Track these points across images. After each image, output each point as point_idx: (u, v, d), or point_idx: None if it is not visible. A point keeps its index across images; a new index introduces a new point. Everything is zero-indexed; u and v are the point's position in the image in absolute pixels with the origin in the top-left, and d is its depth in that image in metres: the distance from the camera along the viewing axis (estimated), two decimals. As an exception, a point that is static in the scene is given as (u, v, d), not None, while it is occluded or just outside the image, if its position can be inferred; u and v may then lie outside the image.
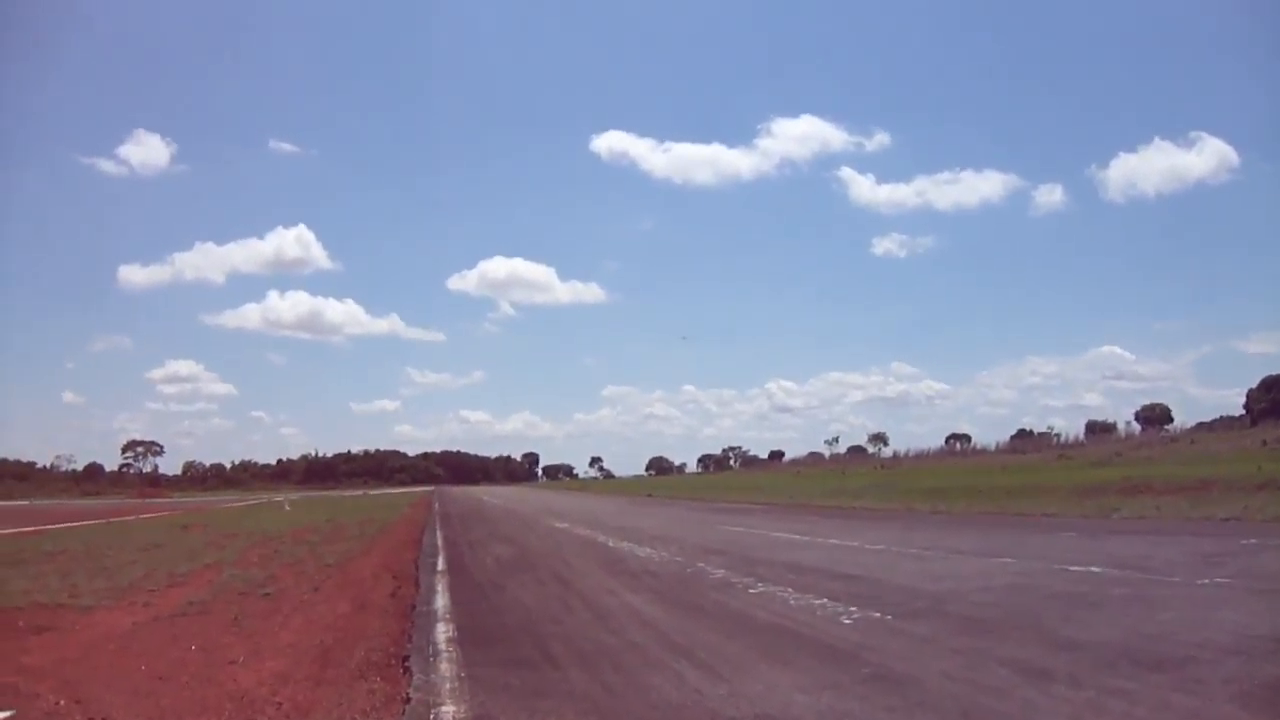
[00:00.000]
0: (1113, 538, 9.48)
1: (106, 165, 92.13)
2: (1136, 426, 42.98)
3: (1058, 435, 40.27)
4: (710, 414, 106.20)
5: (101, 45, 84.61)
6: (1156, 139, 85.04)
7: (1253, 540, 8.49)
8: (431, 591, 7.24)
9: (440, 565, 9.35)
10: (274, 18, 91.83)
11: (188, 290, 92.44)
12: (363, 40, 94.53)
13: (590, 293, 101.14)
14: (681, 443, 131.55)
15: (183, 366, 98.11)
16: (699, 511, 20.28)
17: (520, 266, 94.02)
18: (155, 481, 75.90)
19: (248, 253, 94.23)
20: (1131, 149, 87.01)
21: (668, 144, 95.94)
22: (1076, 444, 33.78)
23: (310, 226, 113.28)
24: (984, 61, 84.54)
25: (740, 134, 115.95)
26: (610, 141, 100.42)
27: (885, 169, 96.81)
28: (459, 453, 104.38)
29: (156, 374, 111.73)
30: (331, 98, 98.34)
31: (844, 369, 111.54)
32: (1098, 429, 43.00)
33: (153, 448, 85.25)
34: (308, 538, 13.52)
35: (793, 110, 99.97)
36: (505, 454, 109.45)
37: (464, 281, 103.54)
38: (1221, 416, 39.53)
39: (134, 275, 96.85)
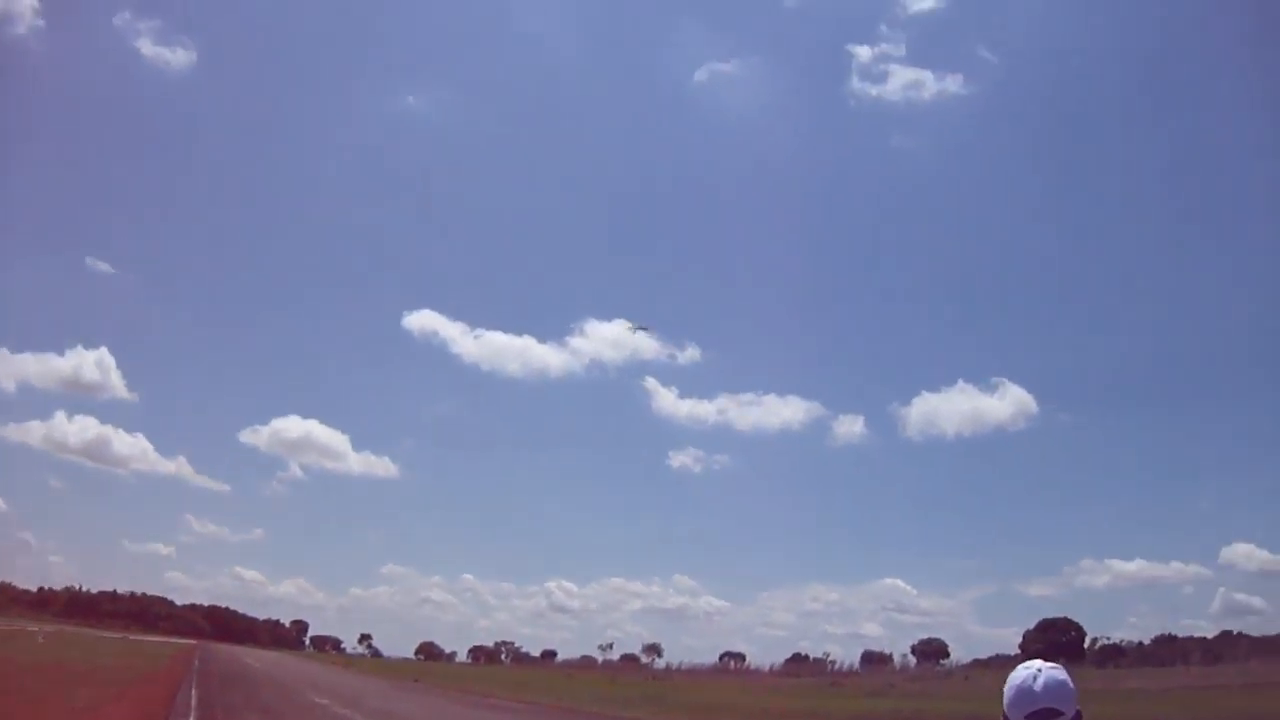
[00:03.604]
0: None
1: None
2: (912, 659, 44.15)
3: (833, 662, 42.01)
4: (487, 605, 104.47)
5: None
6: (960, 381, 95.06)
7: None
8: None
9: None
10: (122, 137, 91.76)
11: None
12: (202, 175, 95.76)
13: (383, 466, 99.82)
14: (455, 631, 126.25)
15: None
16: (466, 706, 20.35)
17: (316, 429, 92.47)
18: None
19: (43, 367, 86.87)
20: (935, 389, 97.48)
21: (480, 330, 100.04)
22: (851, 672, 35.77)
23: (113, 352, 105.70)
24: (799, 290, 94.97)
25: (553, 330, 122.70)
26: (423, 320, 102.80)
27: (691, 383, 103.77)
28: (228, 609, 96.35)
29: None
30: (158, 226, 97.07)
31: (626, 576, 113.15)
32: (874, 659, 45.04)
33: None
34: (56, 675, 13.00)
35: (608, 314, 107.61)
36: (275, 618, 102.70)
37: (256, 436, 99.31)
38: (997, 655, 40.87)
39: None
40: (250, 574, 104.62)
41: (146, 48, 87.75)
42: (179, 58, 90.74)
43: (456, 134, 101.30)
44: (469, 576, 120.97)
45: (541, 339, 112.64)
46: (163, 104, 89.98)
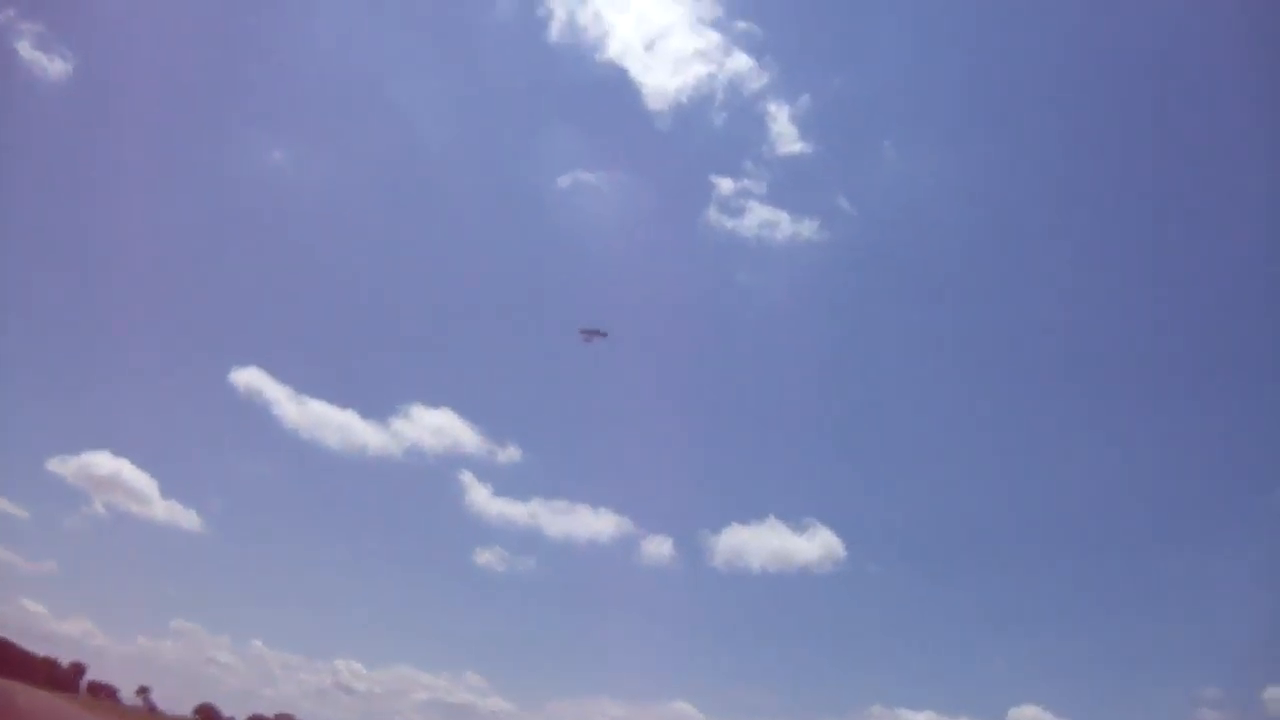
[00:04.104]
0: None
1: None
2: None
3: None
4: (272, 675, 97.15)
5: None
6: (772, 517, 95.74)
7: None
8: None
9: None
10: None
11: None
12: (52, 193, 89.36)
13: (188, 518, 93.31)
14: (237, 696, 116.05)
15: None
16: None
17: (126, 469, 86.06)
18: None
19: None
20: (746, 522, 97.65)
21: (305, 398, 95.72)
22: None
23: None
24: (625, 406, 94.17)
25: (378, 409, 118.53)
26: (249, 377, 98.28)
27: (507, 483, 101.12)
28: (4, 640, 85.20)
29: None
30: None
31: (417, 665, 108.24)
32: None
33: None
34: None
35: (435, 401, 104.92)
36: (54, 656, 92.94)
37: (64, 466, 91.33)
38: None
39: None
40: (35, 607, 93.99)
41: (25, 50, 79.82)
42: (56, 66, 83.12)
43: (316, 196, 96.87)
44: (258, 642, 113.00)
45: (365, 416, 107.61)
46: (27, 109, 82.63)
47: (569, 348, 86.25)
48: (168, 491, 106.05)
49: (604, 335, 53.66)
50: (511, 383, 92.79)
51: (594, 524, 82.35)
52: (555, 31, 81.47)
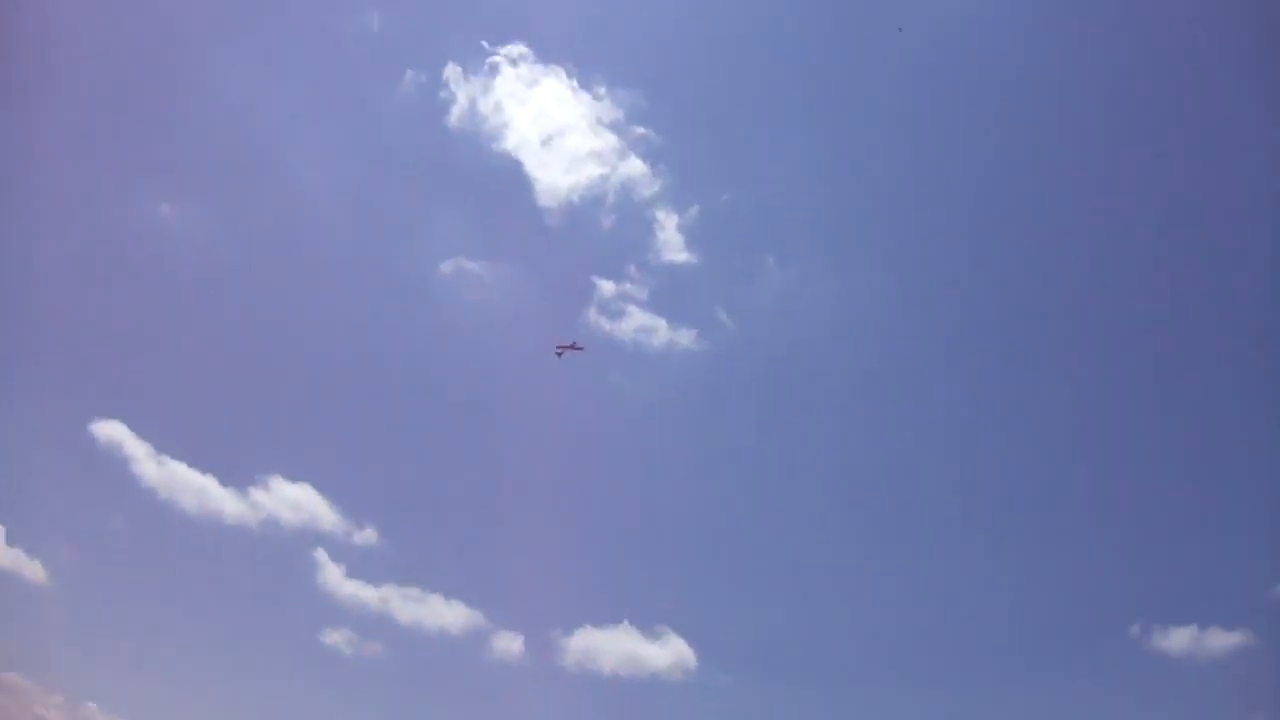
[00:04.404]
0: None
1: None
2: None
3: None
4: None
5: None
6: (626, 621, 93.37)
7: None
8: None
9: None
10: None
11: None
12: None
13: (32, 568, 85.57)
14: None
15: None
16: None
17: None
18: None
19: None
20: (600, 625, 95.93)
21: (165, 457, 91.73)
22: None
23: None
24: (488, 500, 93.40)
25: (239, 477, 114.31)
26: (111, 430, 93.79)
27: (361, 565, 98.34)
28: None
29: None
30: None
31: None
32: None
33: None
34: None
35: (296, 475, 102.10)
36: None
37: None
38: None
39: None
40: None
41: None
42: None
43: (201, 255, 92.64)
44: (92, 705, 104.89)
45: (224, 482, 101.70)
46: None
47: (433, 435, 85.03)
48: (13, 538, 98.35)
49: (580, 349, 52.38)
50: (374, 465, 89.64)
51: (445, 614, 79.89)
52: (455, 116, 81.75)
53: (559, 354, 54.53)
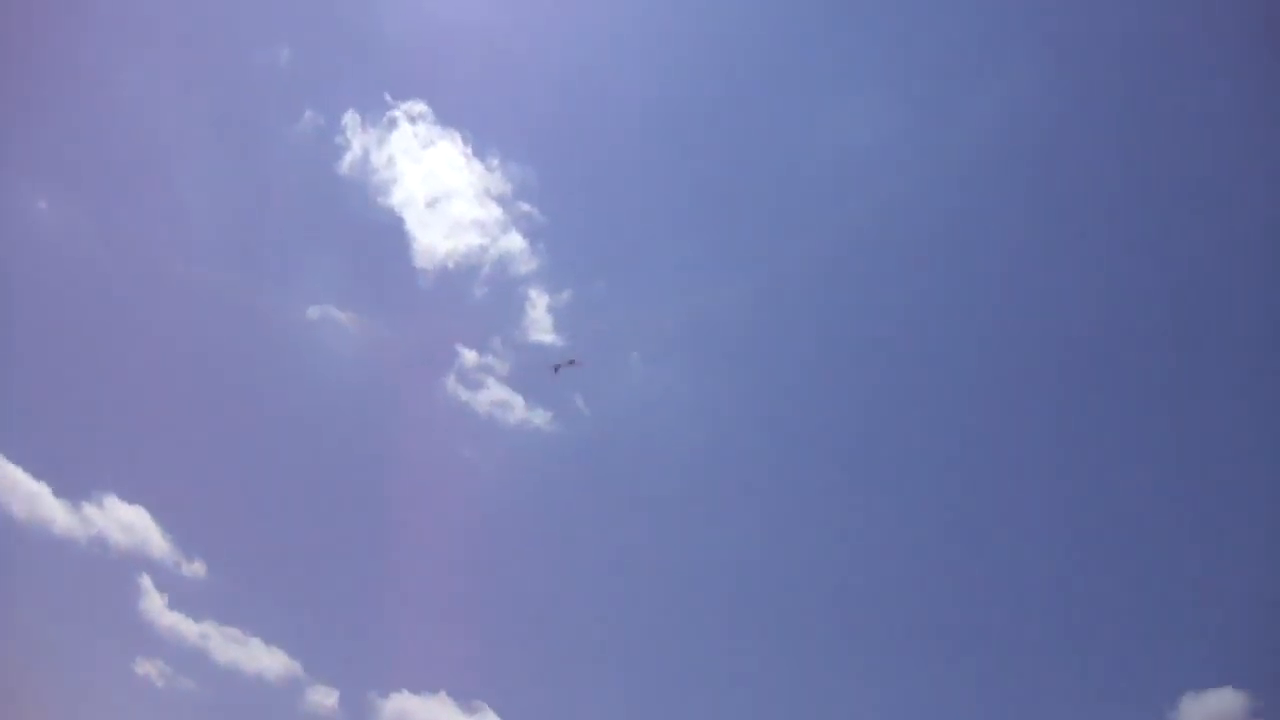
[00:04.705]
0: None
1: None
2: None
3: None
4: None
5: None
6: (444, 692, 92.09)
7: None
8: None
9: None
10: None
11: None
12: None
13: None
14: None
15: None
16: None
17: None
18: None
19: None
20: (416, 691, 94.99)
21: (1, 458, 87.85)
22: None
23: None
24: (326, 548, 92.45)
25: (74, 489, 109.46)
26: None
27: (185, 598, 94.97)
28: None
29: None
30: None
31: None
32: None
33: None
34: None
35: (131, 496, 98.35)
36: None
37: None
38: None
39: None
40: None
41: None
42: None
43: (73, 255, 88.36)
44: None
45: (58, 493, 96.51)
46: None
47: (278, 478, 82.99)
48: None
49: (577, 364, 51.99)
50: (214, 499, 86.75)
51: (264, 659, 76.98)
52: (347, 163, 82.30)
53: (555, 371, 53.72)
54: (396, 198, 79.18)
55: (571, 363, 56.50)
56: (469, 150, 72.22)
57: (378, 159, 78.47)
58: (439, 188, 79.43)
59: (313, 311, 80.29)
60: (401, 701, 72.05)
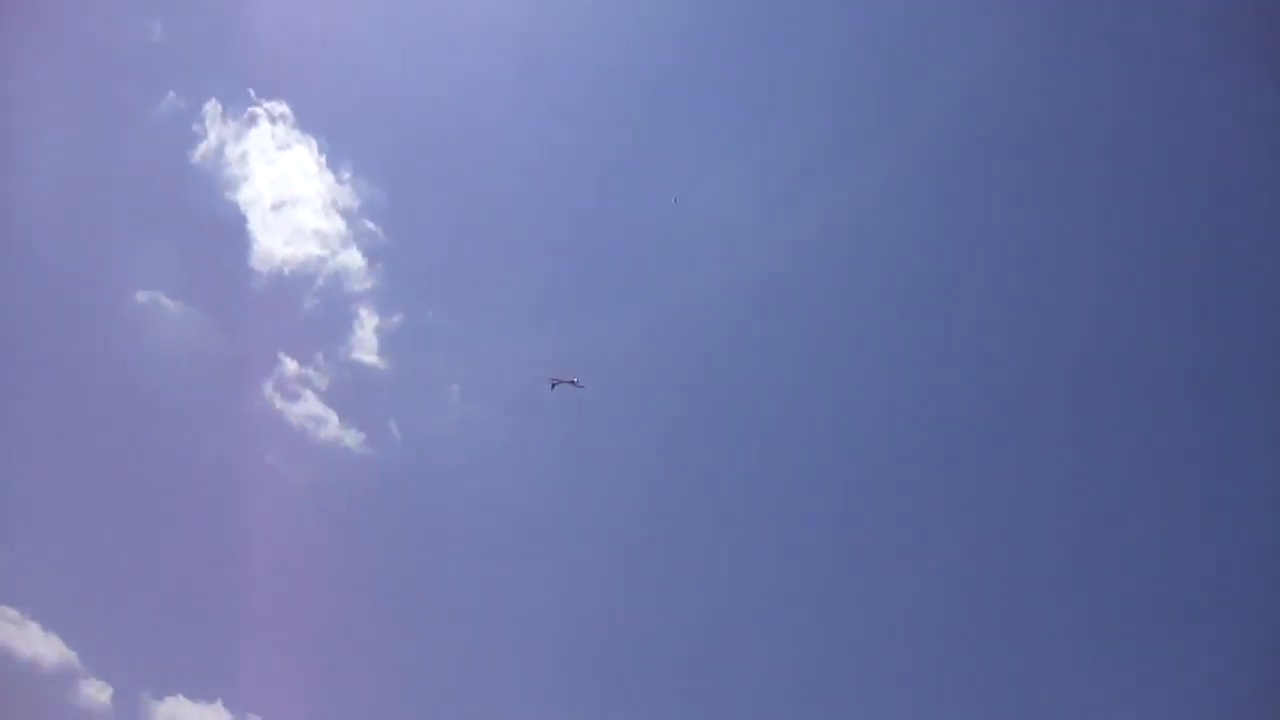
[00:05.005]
0: None
1: None
2: None
3: None
4: None
5: None
6: (220, 701, 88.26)
7: None
8: None
9: None
10: None
11: None
12: None
13: None
14: None
15: None
16: None
17: None
18: None
19: None
20: (193, 698, 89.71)
21: None
22: None
23: None
24: (116, 534, 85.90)
25: None
26: None
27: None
28: None
29: None
30: None
31: None
32: None
33: None
34: None
35: None
36: None
37: None
38: None
39: None
40: None
41: None
42: None
43: None
44: None
45: None
46: None
47: (82, 455, 76.93)
48: None
49: (577, 385, 48.99)
50: (9, 474, 79.59)
51: (40, 646, 70.22)
52: (200, 152, 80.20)
53: (552, 386, 50.12)
54: (244, 195, 76.29)
55: (572, 382, 54.32)
56: (323, 159, 70.94)
57: (232, 153, 75.78)
58: (287, 192, 77.17)
59: (142, 296, 76.36)
60: (175, 706, 67.17)
